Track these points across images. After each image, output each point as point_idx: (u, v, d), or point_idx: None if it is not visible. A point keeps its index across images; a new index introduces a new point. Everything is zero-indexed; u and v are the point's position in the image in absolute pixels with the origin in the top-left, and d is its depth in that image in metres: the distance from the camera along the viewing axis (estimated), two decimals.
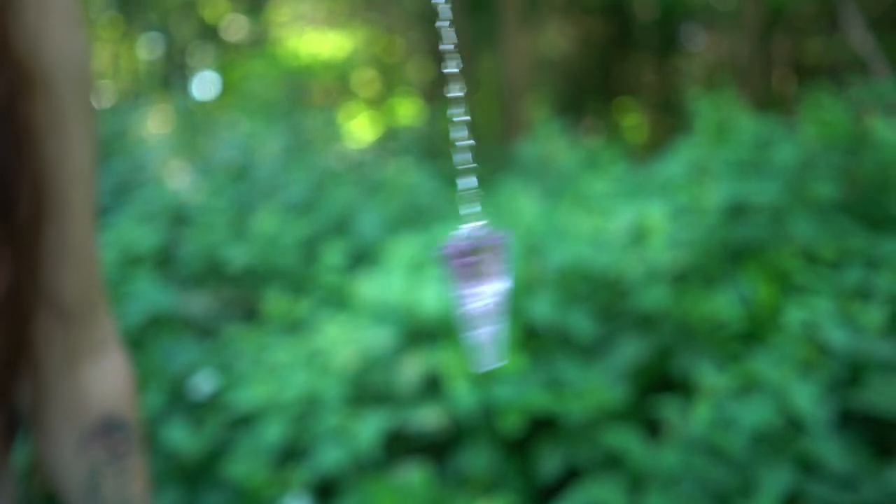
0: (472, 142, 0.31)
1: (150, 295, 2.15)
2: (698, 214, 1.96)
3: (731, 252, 1.98)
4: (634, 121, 8.76)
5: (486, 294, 0.30)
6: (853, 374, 1.54)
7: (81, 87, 0.58)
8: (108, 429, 0.63)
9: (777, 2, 6.35)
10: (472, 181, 0.31)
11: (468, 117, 0.32)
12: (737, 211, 2.03)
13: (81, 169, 0.59)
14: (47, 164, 0.57)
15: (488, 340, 0.30)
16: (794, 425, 1.43)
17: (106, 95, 7.56)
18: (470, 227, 0.30)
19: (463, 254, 0.30)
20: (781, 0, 6.37)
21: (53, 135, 0.57)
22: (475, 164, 0.31)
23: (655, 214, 1.83)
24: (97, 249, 0.63)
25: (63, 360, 0.62)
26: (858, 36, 4.78)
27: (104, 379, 0.64)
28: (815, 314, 1.54)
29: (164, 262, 2.63)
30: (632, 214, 1.88)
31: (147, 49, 10.58)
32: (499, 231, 0.31)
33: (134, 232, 2.44)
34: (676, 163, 2.19)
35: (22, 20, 0.54)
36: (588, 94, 8.47)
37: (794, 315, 1.55)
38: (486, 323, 0.30)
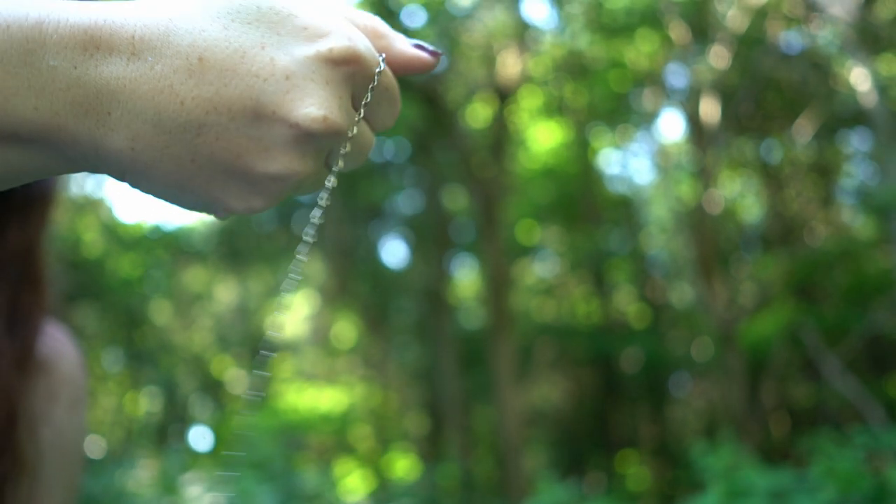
0: None
1: None
2: None
3: None
4: (634, 469, 8.54)
5: None
6: None
7: (70, 470, 0.57)
8: None
9: (756, 351, 6.67)
10: None
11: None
12: None
13: None
14: None
15: None
16: None
17: (98, 448, 7.43)
18: None
19: None
20: (759, 349, 6.69)
21: None
22: None
23: None
24: None
25: None
26: (839, 380, 4.93)
27: None
28: None
29: None
30: None
31: (148, 401, 10.72)
32: None
33: None
34: None
35: (30, 406, 0.55)
36: (584, 443, 8.41)
37: None
38: None
